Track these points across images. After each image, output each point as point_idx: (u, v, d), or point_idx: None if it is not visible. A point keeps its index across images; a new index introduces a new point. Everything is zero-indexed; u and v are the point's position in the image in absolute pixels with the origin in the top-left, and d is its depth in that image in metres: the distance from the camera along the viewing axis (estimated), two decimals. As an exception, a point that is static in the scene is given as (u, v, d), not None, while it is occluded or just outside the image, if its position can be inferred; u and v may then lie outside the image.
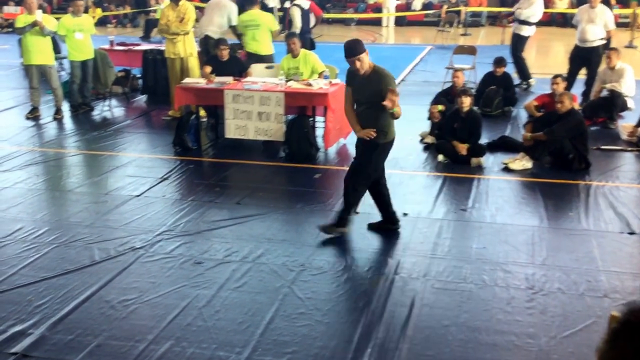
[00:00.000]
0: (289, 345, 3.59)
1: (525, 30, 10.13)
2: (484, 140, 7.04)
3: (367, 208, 5.52)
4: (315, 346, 3.58)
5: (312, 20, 10.57)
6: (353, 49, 4.57)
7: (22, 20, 8.36)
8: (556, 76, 7.55)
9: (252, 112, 7.00)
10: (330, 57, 10.36)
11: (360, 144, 4.87)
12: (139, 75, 10.31)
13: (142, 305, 4.00)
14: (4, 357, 3.48)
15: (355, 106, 4.86)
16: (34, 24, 8.20)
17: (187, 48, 8.36)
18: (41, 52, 8.41)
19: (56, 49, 12.35)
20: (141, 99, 9.98)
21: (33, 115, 8.64)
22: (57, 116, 8.64)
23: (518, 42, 10.20)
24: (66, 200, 5.82)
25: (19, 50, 10.95)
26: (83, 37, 8.66)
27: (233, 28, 9.13)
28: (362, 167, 4.86)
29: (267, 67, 8.28)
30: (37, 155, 7.12)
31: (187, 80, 7.83)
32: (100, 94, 9.53)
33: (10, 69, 12.25)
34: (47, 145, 7.55)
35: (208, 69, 7.78)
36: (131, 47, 10.45)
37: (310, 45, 10.29)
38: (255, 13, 8.87)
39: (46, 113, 8.78)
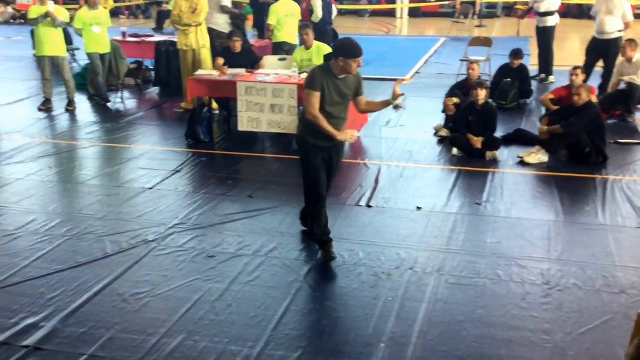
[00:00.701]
0: (301, 339, 3.57)
1: (551, 21, 9.97)
2: (499, 133, 6.97)
3: (380, 202, 5.49)
4: (328, 341, 3.57)
5: (334, 11, 10.52)
6: (361, 49, 4.34)
7: (35, 12, 8.36)
8: (576, 68, 7.43)
9: (265, 104, 6.96)
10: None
11: (334, 152, 4.49)
12: (151, 67, 10.30)
13: (155, 298, 3.99)
14: (17, 350, 3.48)
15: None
16: (46, 15, 8.20)
17: (200, 40, 8.32)
18: (53, 44, 8.41)
19: (68, 40, 12.42)
20: (154, 91, 9.98)
21: (45, 107, 8.65)
22: (70, 108, 8.65)
23: (546, 34, 10.02)
24: (79, 193, 5.82)
25: (31, 42, 11.00)
26: (100, 30, 8.63)
27: (222, 7, 9.05)
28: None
29: (280, 59, 8.23)
30: (49, 147, 7.14)
31: (199, 72, 7.80)
32: (112, 85, 9.52)
33: (23, 60, 12.29)
34: (60, 137, 7.56)
35: (221, 60, 7.74)
36: (144, 39, 10.44)
37: (333, 36, 10.26)
38: (291, 3, 8.94)
39: (58, 105, 8.79)
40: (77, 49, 12.22)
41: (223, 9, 9.03)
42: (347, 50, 4.23)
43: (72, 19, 8.71)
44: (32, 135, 7.55)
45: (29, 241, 4.75)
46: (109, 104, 8.98)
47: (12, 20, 18.38)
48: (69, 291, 4.07)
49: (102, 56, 8.75)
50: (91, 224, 5.05)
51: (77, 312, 3.83)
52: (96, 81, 8.93)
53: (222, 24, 9.19)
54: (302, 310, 3.85)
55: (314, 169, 4.39)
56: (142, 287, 4.12)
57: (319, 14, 10.00)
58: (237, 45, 7.89)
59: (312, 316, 3.80)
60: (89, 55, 8.77)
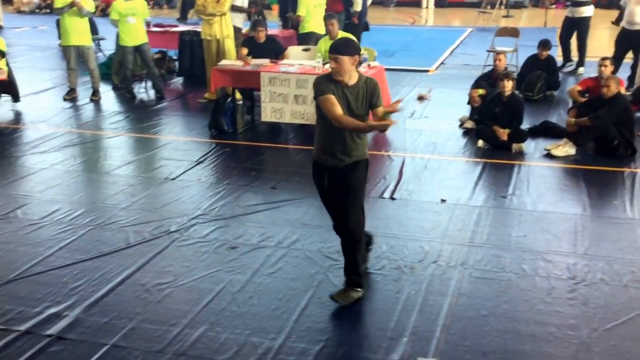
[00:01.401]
0: (323, 332, 3.56)
1: (588, 10, 9.75)
2: (525, 125, 6.86)
3: (404, 194, 5.43)
4: (349, 334, 3.55)
5: (369, 1, 10.42)
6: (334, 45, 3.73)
7: (60, 1, 8.39)
8: (604, 58, 7.25)
9: (288, 95, 6.93)
10: (369, 40, 10.25)
11: (346, 172, 3.77)
12: (175, 57, 10.32)
13: (177, 289, 4.00)
14: (40, 339, 3.51)
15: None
16: (72, 5, 8.25)
17: (224, 29, 8.30)
18: (79, 33, 8.45)
19: (93, 30, 12.52)
20: (177, 81, 10.02)
21: (70, 96, 8.73)
22: (94, 97, 8.72)
23: (582, 25, 9.77)
24: (102, 183, 5.86)
25: (57, 32, 11.10)
26: (136, 21, 8.59)
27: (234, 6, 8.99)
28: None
29: (304, 50, 8.18)
30: (74, 136, 7.20)
31: (223, 62, 7.80)
32: (136, 75, 9.56)
33: (48, 50, 12.43)
34: (84, 127, 7.62)
35: (244, 50, 7.73)
36: (168, 29, 10.45)
37: (365, 26, 10.20)
38: None
39: (83, 94, 8.86)
40: (103, 39, 12.34)
41: (234, 8, 9.00)
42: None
43: (96, 9, 8.70)
44: (57, 125, 7.62)
45: (52, 230, 4.80)
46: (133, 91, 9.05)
47: (37, 10, 18.59)
48: (91, 281, 4.10)
49: (137, 48, 8.68)
50: (114, 213, 5.08)
51: (100, 302, 3.86)
52: (124, 74, 8.97)
53: (236, 19, 9.18)
54: (324, 303, 3.83)
55: (319, 194, 3.93)
56: (164, 277, 4.13)
57: (358, 7, 9.91)
58: (261, 35, 7.85)
59: (334, 309, 3.77)
60: (122, 47, 8.75)
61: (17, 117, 8.02)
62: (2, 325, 3.62)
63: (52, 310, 3.77)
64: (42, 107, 8.39)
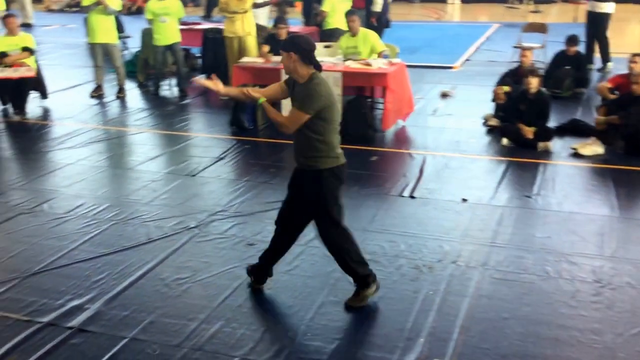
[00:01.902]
0: (339, 331, 3.55)
1: (608, 7, 9.54)
2: (552, 123, 6.74)
3: (424, 193, 5.37)
4: (365, 333, 3.53)
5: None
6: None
7: (87, -1, 8.53)
8: (635, 55, 7.08)
9: (309, 92, 6.90)
10: (392, 36, 10.17)
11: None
12: (198, 55, 10.39)
13: (195, 284, 4.03)
14: (62, 331, 3.57)
15: None
16: (98, 3, 8.35)
17: (246, 27, 8.33)
18: (105, 31, 8.55)
19: (120, 28, 12.65)
20: (200, 78, 10.05)
21: (97, 93, 8.85)
22: (120, 95, 8.82)
23: (602, 21, 9.58)
24: (126, 178, 5.93)
25: (85, 30, 11.25)
26: (169, 21, 8.64)
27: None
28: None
29: (326, 46, 8.16)
30: (100, 133, 7.31)
31: (244, 59, 7.82)
32: (162, 73, 9.63)
33: (76, 47, 12.61)
34: (110, 123, 7.73)
35: (266, 48, 7.74)
36: (191, 26, 10.52)
37: (386, 23, 10.14)
38: None
39: (109, 92, 8.98)
40: (128, 37, 12.49)
41: (256, 5, 9.01)
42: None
43: (123, 7, 8.78)
44: (83, 121, 7.74)
45: (77, 224, 4.88)
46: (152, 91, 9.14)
47: (67, 8, 18.89)
48: (113, 274, 4.16)
49: (169, 46, 8.75)
50: (137, 208, 5.14)
51: (121, 295, 3.91)
52: (154, 70, 9.06)
53: (260, 16, 9.19)
54: (340, 301, 3.81)
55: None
56: (183, 272, 4.17)
57: (378, 5, 9.85)
58: (283, 33, 7.86)
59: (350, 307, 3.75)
60: (154, 46, 8.82)
61: (45, 113, 8.18)
62: (25, 316, 3.70)
63: (75, 302, 3.84)
64: (69, 103, 8.52)
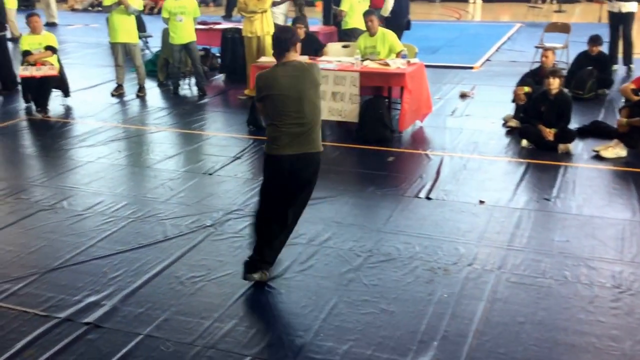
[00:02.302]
0: (351, 332, 3.53)
1: (632, 5, 9.37)
2: (573, 125, 6.64)
3: (441, 194, 5.33)
4: (378, 335, 3.50)
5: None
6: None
7: (109, -1, 8.62)
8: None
9: (325, 91, 6.90)
10: (412, 36, 10.11)
11: None
12: (218, 54, 10.45)
13: (210, 283, 4.05)
14: (78, 326, 3.62)
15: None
16: (120, 3, 8.44)
17: (265, 27, 8.36)
18: (126, 31, 8.63)
19: (141, 27, 12.76)
20: (219, 78, 10.15)
21: (118, 92, 8.94)
22: (140, 94, 8.90)
23: (627, 20, 9.39)
24: (145, 176, 5.98)
25: (107, 29, 11.37)
26: (184, 20, 8.70)
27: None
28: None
29: (344, 46, 8.15)
30: (120, 131, 7.39)
31: (262, 59, 7.84)
32: (182, 72, 9.72)
33: (99, 47, 12.75)
34: (130, 122, 7.81)
35: (285, 47, 7.73)
36: (211, 26, 10.59)
37: (406, 25, 10.09)
38: None
39: (130, 90, 9.07)
40: (150, 36, 12.59)
41: (275, 4, 9.03)
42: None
43: (145, 7, 8.85)
44: (104, 120, 7.83)
45: (95, 222, 4.93)
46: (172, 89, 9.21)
47: (90, 8, 19.13)
48: (129, 271, 4.20)
49: (185, 45, 8.81)
50: (154, 207, 5.19)
51: (137, 292, 3.95)
52: (171, 71, 9.15)
53: (278, 14, 9.20)
54: (353, 302, 3.80)
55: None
56: (198, 270, 4.19)
57: (388, 7, 9.79)
58: (301, 32, 7.85)
59: (363, 309, 3.74)
60: (170, 45, 8.91)
61: (67, 111, 8.28)
62: (43, 312, 3.74)
63: (91, 299, 3.88)
64: (90, 102, 8.63)
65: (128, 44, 8.70)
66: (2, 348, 3.41)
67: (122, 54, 8.77)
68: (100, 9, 17.47)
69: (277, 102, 3.74)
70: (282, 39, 3.79)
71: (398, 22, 9.89)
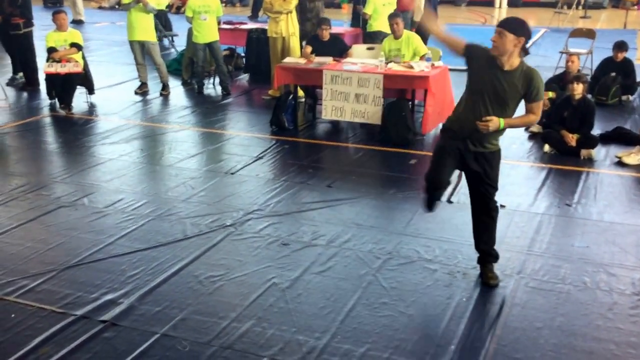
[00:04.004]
0: (369, 334, 3.53)
1: None
2: (596, 131, 6.59)
3: (462, 198, 5.31)
4: (396, 338, 3.50)
5: None
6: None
7: (128, -3, 8.72)
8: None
9: (349, 93, 6.92)
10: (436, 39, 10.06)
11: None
12: (243, 54, 10.51)
13: (228, 282, 4.07)
14: (95, 324, 3.63)
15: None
16: (138, 1, 8.51)
17: (290, 27, 8.38)
18: (143, 29, 8.69)
19: (167, 26, 12.90)
20: (244, 78, 10.21)
21: (141, 90, 9.05)
22: (164, 92, 8.98)
23: None
24: (166, 175, 6.03)
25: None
26: (208, 18, 8.76)
27: None
28: None
29: (369, 48, 8.15)
30: (142, 129, 7.46)
31: (287, 59, 7.87)
32: (206, 71, 9.81)
33: (124, 45, 12.60)
34: (152, 120, 7.88)
35: (308, 48, 7.78)
36: (237, 26, 10.66)
37: None
38: None
39: (154, 89, 9.16)
40: (176, 35, 12.71)
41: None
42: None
43: (171, 6, 8.90)
44: (127, 117, 7.92)
45: (115, 219, 4.98)
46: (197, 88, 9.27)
47: (117, 6, 19.33)
48: (148, 270, 4.22)
49: (208, 44, 8.87)
50: (175, 205, 5.22)
51: (154, 291, 3.96)
52: (195, 70, 9.22)
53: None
54: (371, 305, 3.80)
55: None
56: (216, 270, 4.21)
57: (421, 10, 9.76)
58: (325, 34, 7.88)
59: (382, 311, 3.74)
60: (194, 44, 8.99)
61: (91, 108, 8.38)
62: (60, 308, 3.76)
63: (109, 296, 3.89)
64: (114, 100, 8.72)
65: (145, 42, 8.76)
66: (17, 344, 3.41)
67: (140, 52, 8.85)
68: (119, 7, 17.69)
69: None
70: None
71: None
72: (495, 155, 3.92)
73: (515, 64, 3.63)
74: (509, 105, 3.70)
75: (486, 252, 4.07)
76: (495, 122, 3.69)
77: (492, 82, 3.66)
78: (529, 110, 3.76)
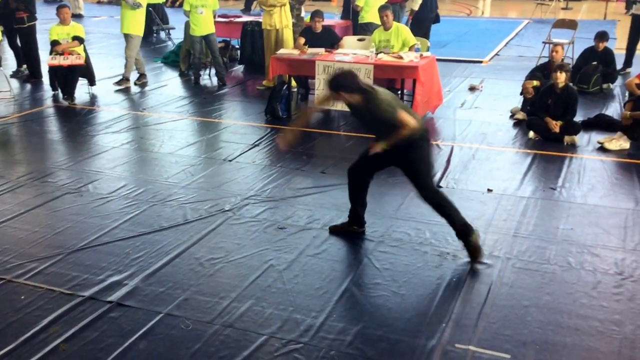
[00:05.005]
0: (363, 314, 3.63)
1: None
2: (579, 118, 6.75)
3: (450, 182, 5.47)
4: (389, 317, 3.60)
5: None
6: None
7: (117, -8, 8.84)
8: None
9: (340, 82, 7.04)
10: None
11: None
12: (237, 46, 10.63)
13: (228, 264, 4.18)
14: (101, 304, 3.72)
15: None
16: None
17: (283, 20, 8.51)
18: (127, 22, 8.83)
19: (164, 20, 13.00)
20: (239, 69, 10.32)
21: (140, 81, 9.19)
22: (118, 85, 8.96)
23: None
24: (166, 162, 6.13)
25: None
26: (205, 12, 8.91)
27: None
28: None
29: (359, 39, 8.28)
30: (143, 118, 7.57)
31: (281, 51, 7.99)
32: (202, 63, 9.92)
33: (121, 38, 12.85)
34: (152, 110, 7.99)
35: (302, 40, 7.90)
36: (232, 19, 10.78)
37: (435, 18, 10.17)
38: None
39: (152, 80, 9.26)
40: (172, 28, 12.83)
41: None
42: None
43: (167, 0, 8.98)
44: (127, 107, 8.04)
45: (119, 205, 5.09)
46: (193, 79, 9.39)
47: (114, 1, 19.38)
48: (151, 253, 4.32)
49: (205, 37, 9.00)
50: (175, 191, 5.34)
51: (158, 273, 4.06)
52: (192, 61, 9.34)
53: None
54: (365, 285, 3.92)
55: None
56: (217, 253, 4.32)
57: (416, 4, 9.87)
58: (318, 26, 8.01)
59: (375, 292, 3.85)
60: (191, 37, 9.10)
61: (93, 99, 8.49)
62: (68, 290, 3.86)
63: (114, 278, 3.99)
64: (115, 90, 8.83)
65: (126, 35, 8.88)
66: (28, 324, 3.51)
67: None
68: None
69: None
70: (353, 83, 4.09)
71: (426, 16, 10.00)
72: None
73: (359, 99, 4.08)
74: (379, 127, 4.14)
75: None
76: (377, 146, 4.18)
77: (361, 115, 4.26)
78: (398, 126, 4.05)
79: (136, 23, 8.85)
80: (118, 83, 8.99)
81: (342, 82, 4.06)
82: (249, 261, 4.22)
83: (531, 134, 6.60)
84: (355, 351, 3.32)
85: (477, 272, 4.08)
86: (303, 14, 9.37)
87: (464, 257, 4.25)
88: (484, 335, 3.42)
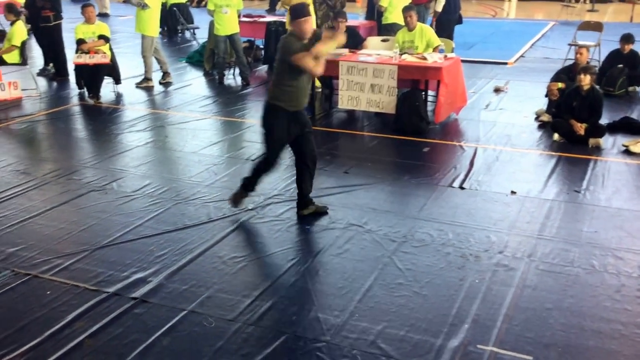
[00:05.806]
0: (385, 313, 3.64)
1: None
2: (604, 120, 6.69)
3: (474, 184, 5.45)
4: (411, 317, 3.61)
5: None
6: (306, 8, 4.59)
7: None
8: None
9: (364, 83, 7.08)
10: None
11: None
12: (262, 46, 10.69)
13: (251, 263, 4.23)
14: (126, 300, 3.79)
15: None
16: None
17: (307, 20, 8.52)
18: (138, 22, 8.95)
19: (189, 20, 13.13)
20: (262, 69, 10.38)
21: (165, 80, 9.30)
22: (139, 84, 9.07)
23: None
24: (190, 161, 6.19)
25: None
26: (229, 12, 8.99)
27: None
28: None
29: (383, 40, 8.28)
30: (167, 117, 7.66)
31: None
32: (226, 62, 10.01)
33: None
34: (176, 109, 8.07)
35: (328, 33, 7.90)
36: (256, 19, 10.86)
37: (458, 19, 10.14)
38: None
39: (177, 79, 9.36)
40: (197, 28, 12.95)
41: None
42: (296, 11, 4.51)
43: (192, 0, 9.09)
44: (152, 106, 8.15)
45: (143, 203, 5.16)
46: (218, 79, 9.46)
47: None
48: (175, 250, 4.38)
49: (229, 36, 9.09)
50: (199, 190, 5.40)
51: (181, 270, 4.12)
52: (217, 61, 9.42)
53: None
54: (387, 285, 3.93)
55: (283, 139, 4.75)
56: (240, 251, 4.37)
57: (442, 1, 9.84)
58: (342, 26, 8.02)
59: (397, 292, 3.87)
60: (215, 36, 9.18)
61: (118, 98, 8.61)
62: (93, 286, 3.93)
63: (139, 275, 4.06)
64: (140, 90, 8.95)
65: (141, 35, 8.96)
66: (54, 319, 3.58)
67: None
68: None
69: None
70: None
71: (449, 17, 9.97)
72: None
73: None
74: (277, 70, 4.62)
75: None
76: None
77: None
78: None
79: (147, 23, 8.91)
80: (139, 83, 9.11)
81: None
82: (272, 260, 4.26)
83: (556, 136, 6.56)
84: (377, 350, 3.34)
85: (500, 274, 4.07)
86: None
87: (486, 258, 4.24)
88: (506, 337, 3.42)
